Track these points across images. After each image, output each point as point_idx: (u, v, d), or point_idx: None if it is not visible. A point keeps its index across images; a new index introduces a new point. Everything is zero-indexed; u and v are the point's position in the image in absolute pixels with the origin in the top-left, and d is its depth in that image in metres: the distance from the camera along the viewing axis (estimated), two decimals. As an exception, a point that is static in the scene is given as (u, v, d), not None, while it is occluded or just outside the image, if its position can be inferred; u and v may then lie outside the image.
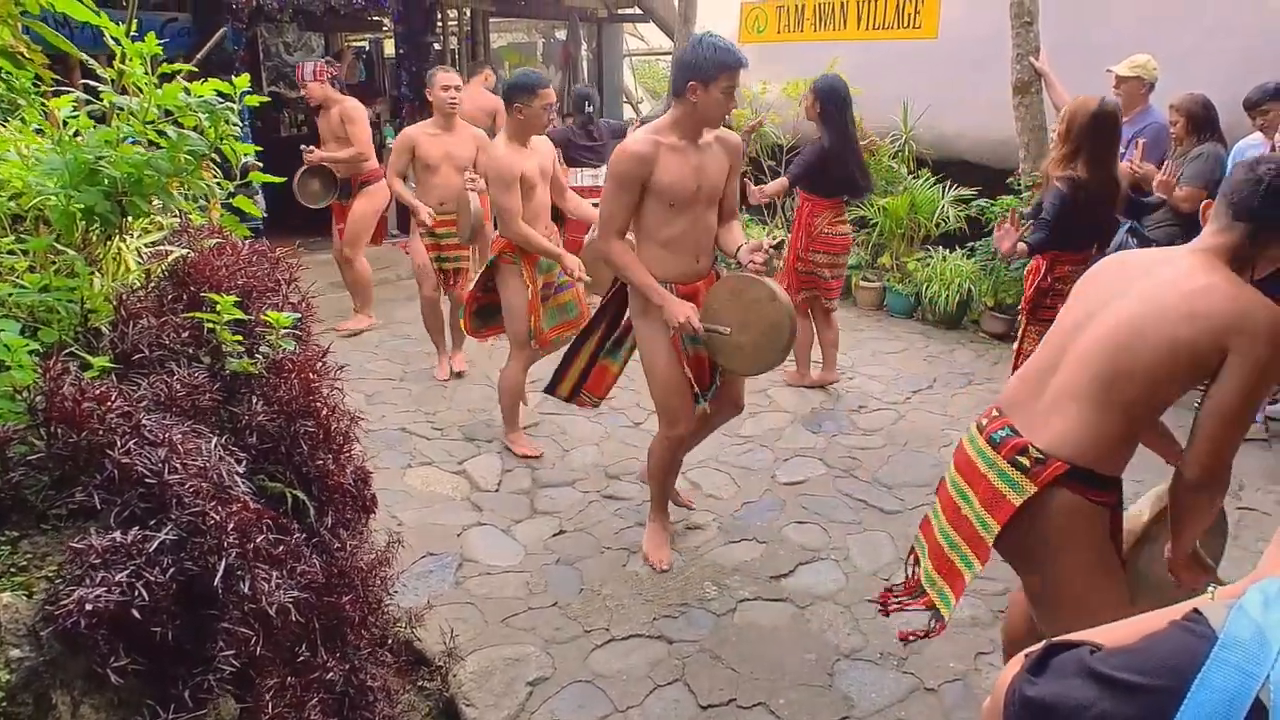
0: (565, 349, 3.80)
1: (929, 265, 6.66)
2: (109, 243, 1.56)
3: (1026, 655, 0.86)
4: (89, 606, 0.98)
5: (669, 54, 10.47)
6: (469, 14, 9.69)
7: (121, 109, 1.46)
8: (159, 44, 1.60)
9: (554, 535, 3.75)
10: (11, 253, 1.50)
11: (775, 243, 3.36)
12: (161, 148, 1.49)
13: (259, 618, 1.18)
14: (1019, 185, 6.16)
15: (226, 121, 1.56)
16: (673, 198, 3.10)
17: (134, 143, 1.50)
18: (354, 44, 11.44)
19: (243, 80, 1.73)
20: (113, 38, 1.56)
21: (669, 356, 3.27)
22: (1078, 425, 1.91)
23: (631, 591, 3.35)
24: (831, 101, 4.86)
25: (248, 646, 1.15)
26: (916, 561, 2.35)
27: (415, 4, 8.76)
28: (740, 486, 4.18)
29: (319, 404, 1.67)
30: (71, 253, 1.47)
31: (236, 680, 1.18)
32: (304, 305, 1.88)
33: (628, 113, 12.09)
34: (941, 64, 7.38)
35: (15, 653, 0.98)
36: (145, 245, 1.75)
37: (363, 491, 1.93)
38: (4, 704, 0.94)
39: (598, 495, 4.09)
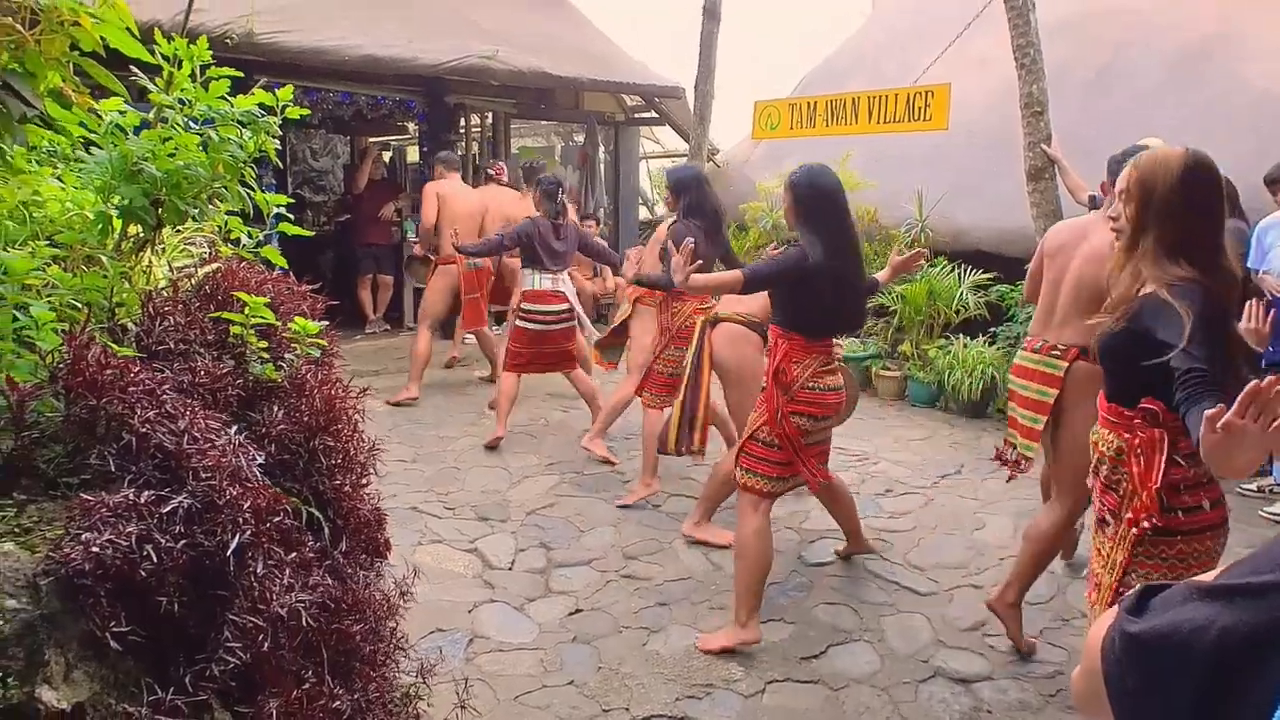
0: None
1: (950, 353, 6.60)
2: (140, 254, 1.52)
3: (1119, 607, 0.75)
4: (94, 550, 0.89)
5: (684, 156, 10.72)
6: (490, 117, 9.99)
7: (168, 110, 1.44)
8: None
9: (570, 614, 3.57)
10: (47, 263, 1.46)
11: None
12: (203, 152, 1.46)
13: (268, 618, 1.07)
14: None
15: (266, 133, 1.54)
16: None
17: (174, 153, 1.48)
18: (377, 142, 11.80)
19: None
20: (162, 56, 1.56)
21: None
22: (1077, 328, 3.15)
23: (652, 671, 3.16)
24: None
25: (255, 642, 1.04)
26: (1011, 446, 3.56)
27: (440, 107, 9.05)
28: (765, 567, 4.01)
29: (341, 424, 1.59)
30: (103, 256, 1.43)
31: (240, 685, 1.07)
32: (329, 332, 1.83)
33: (643, 214, 12.33)
34: (953, 156, 7.52)
35: (11, 603, 0.90)
36: (175, 266, 1.71)
37: (377, 532, 1.83)
38: (-7, 652, 0.85)
39: (616, 575, 3.93)
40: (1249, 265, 4.65)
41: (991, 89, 8.10)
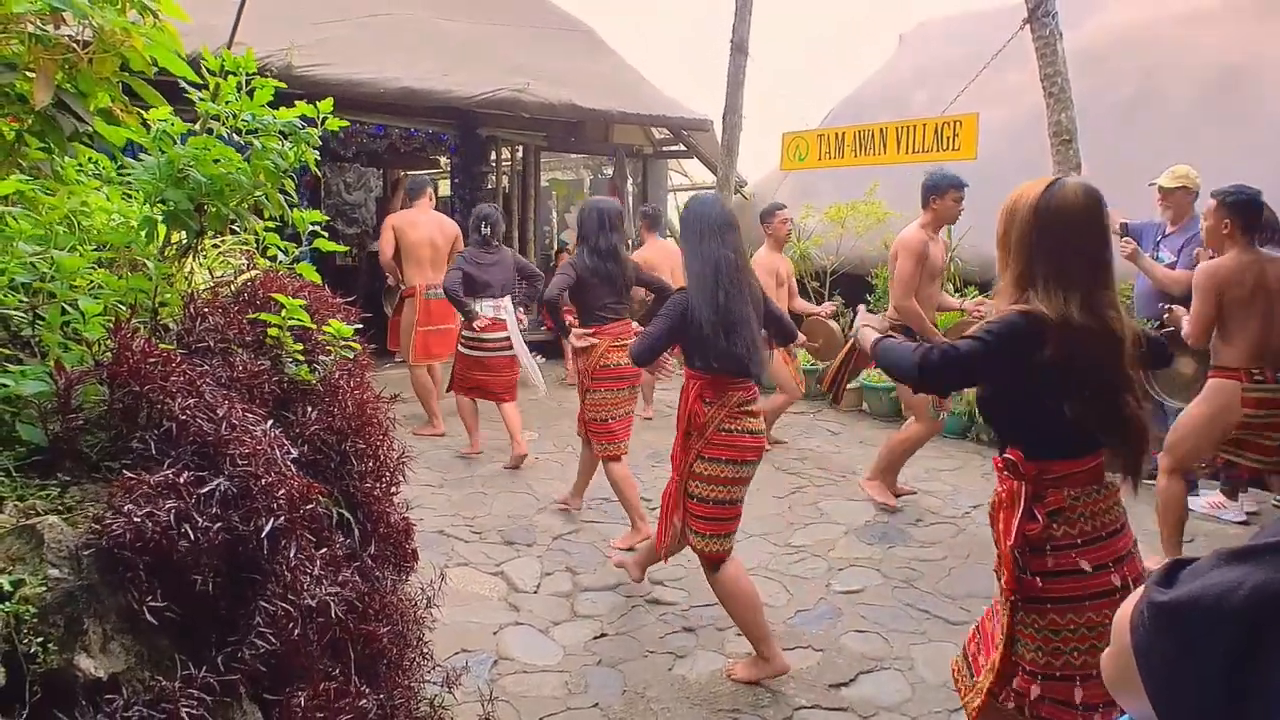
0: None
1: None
2: (182, 260, 1.57)
3: (1149, 580, 0.75)
4: (135, 520, 0.91)
5: (711, 188, 10.80)
6: (521, 150, 10.14)
7: (213, 122, 1.49)
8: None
9: (595, 638, 3.55)
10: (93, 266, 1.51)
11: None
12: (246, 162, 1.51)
13: (299, 607, 1.09)
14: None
15: (307, 144, 1.59)
16: None
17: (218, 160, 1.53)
18: (411, 174, 12.00)
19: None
20: (207, 70, 1.62)
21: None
22: None
23: (678, 696, 3.13)
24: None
25: (285, 630, 1.05)
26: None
27: (472, 139, 9.21)
28: (792, 594, 3.97)
29: (372, 429, 1.62)
30: (148, 261, 1.47)
31: (269, 674, 1.08)
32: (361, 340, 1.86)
33: (671, 245, 12.39)
34: (982, 185, 7.49)
35: (54, 572, 0.92)
36: (214, 275, 1.76)
37: (405, 541, 1.84)
38: (34, 620, 0.87)
39: (641, 600, 3.90)
40: None
41: (1020, 119, 8.12)
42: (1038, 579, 1.94)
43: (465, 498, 5.18)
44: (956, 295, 7.20)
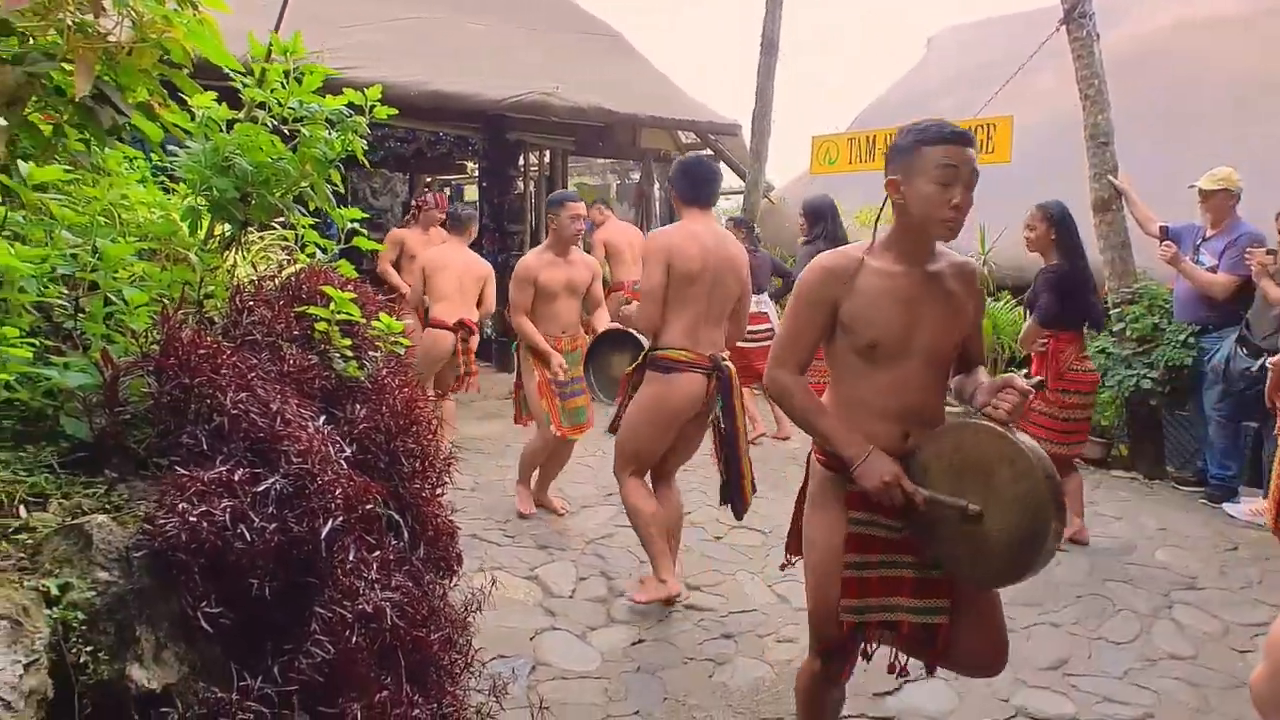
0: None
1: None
2: (226, 252, 1.52)
3: None
4: (190, 520, 0.86)
5: (739, 192, 10.73)
6: (548, 154, 10.12)
7: (258, 111, 1.45)
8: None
9: (633, 644, 3.49)
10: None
11: (1034, 383, 2.15)
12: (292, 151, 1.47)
13: (354, 613, 1.03)
14: (1105, 303, 5.99)
15: (354, 132, 1.54)
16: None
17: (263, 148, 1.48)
18: (439, 180, 12.04)
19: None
20: (251, 63, 1.58)
21: (830, 563, 2.24)
22: None
23: (720, 703, 3.05)
24: (1064, 224, 4.39)
25: (340, 637, 1.00)
26: None
27: (500, 144, 9.19)
28: (832, 601, 3.88)
29: (420, 428, 1.56)
30: (191, 254, 1.43)
31: (325, 685, 1.02)
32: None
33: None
34: (1017, 188, 7.38)
35: (103, 575, 0.87)
36: (257, 269, 1.72)
37: (451, 544, 1.79)
38: (83, 627, 0.81)
39: (679, 606, 3.83)
40: None
41: (1053, 123, 8.00)
42: None
43: (498, 501, 5.12)
44: (990, 300, 7.10)
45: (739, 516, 3.72)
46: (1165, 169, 6.70)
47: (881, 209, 2.32)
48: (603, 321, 4.77)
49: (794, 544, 2.57)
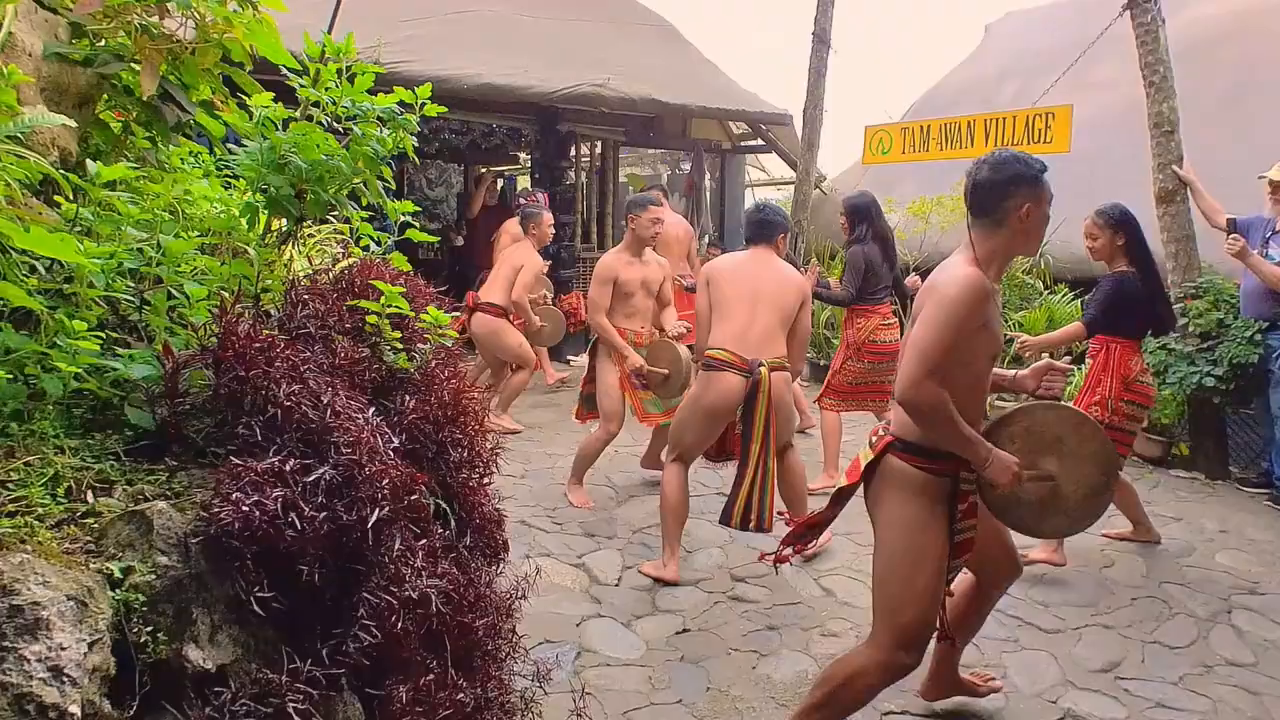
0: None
1: (1072, 383, 6.28)
2: (282, 247, 1.57)
3: None
4: (245, 508, 0.90)
5: (790, 183, 10.63)
6: (599, 145, 10.15)
7: (313, 109, 1.49)
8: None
9: (677, 633, 3.51)
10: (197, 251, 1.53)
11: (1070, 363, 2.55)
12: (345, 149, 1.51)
13: (401, 599, 1.06)
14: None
15: (405, 129, 1.58)
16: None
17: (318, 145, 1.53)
18: (492, 171, 12.17)
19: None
20: (307, 61, 1.62)
21: (937, 563, 2.46)
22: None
23: (763, 695, 3.07)
24: (1128, 227, 4.16)
25: (387, 622, 1.03)
26: None
27: (551, 135, 9.24)
28: (878, 596, 3.86)
29: (468, 418, 1.60)
30: (249, 248, 1.48)
31: (372, 668, 1.06)
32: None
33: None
34: (1075, 179, 7.21)
35: (163, 559, 0.92)
36: (313, 262, 1.76)
37: (497, 532, 1.82)
38: (144, 608, 0.86)
39: (723, 596, 3.85)
40: None
41: (1114, 112, 7.78)
42: None
43: (546, 489, 5.18)
44: (1046, 294, 6.96)
45: (721, 522, 3.97)
46: (1232, 159, 6.48)
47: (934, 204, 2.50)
48: (670, 320, 5.06)
49: (798, 542, 3.00)
